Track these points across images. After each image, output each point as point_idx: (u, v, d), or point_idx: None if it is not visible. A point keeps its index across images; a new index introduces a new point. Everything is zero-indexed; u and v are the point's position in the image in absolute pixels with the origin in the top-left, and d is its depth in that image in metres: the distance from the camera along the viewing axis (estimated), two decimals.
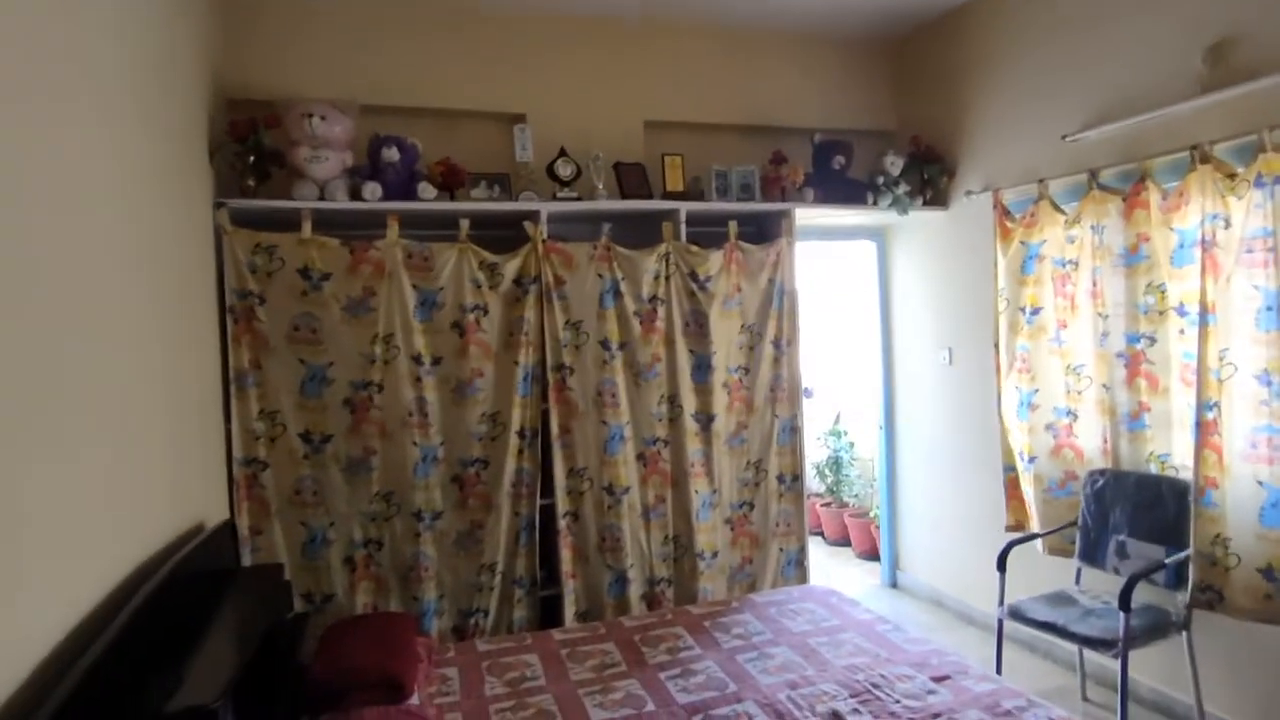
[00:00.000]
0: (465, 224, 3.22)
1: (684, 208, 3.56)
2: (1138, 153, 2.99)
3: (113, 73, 1.91)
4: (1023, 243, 3.39)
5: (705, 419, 3.59)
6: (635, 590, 3.45)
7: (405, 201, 3.13)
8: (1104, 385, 3.09)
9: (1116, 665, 2.71)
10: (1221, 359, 2.59)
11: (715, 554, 3.59)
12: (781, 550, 3.75)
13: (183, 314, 2.45)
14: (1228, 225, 2.63)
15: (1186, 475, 2.86)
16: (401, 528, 3.15)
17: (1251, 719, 2.73)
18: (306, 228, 3.00)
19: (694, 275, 3.55)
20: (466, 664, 2.72)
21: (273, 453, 2.99)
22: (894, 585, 4.58)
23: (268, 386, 2.98)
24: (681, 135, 3.87)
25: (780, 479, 3.75)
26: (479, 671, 2.65)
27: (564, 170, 3.42)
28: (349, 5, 3.37)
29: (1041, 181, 3.35)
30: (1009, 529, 3.48)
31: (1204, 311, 2.63)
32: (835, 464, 5.60)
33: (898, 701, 2.28)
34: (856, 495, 5.51)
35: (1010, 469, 3.50)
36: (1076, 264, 3.19)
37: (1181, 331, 2.84)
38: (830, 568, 4.96)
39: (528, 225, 3.32)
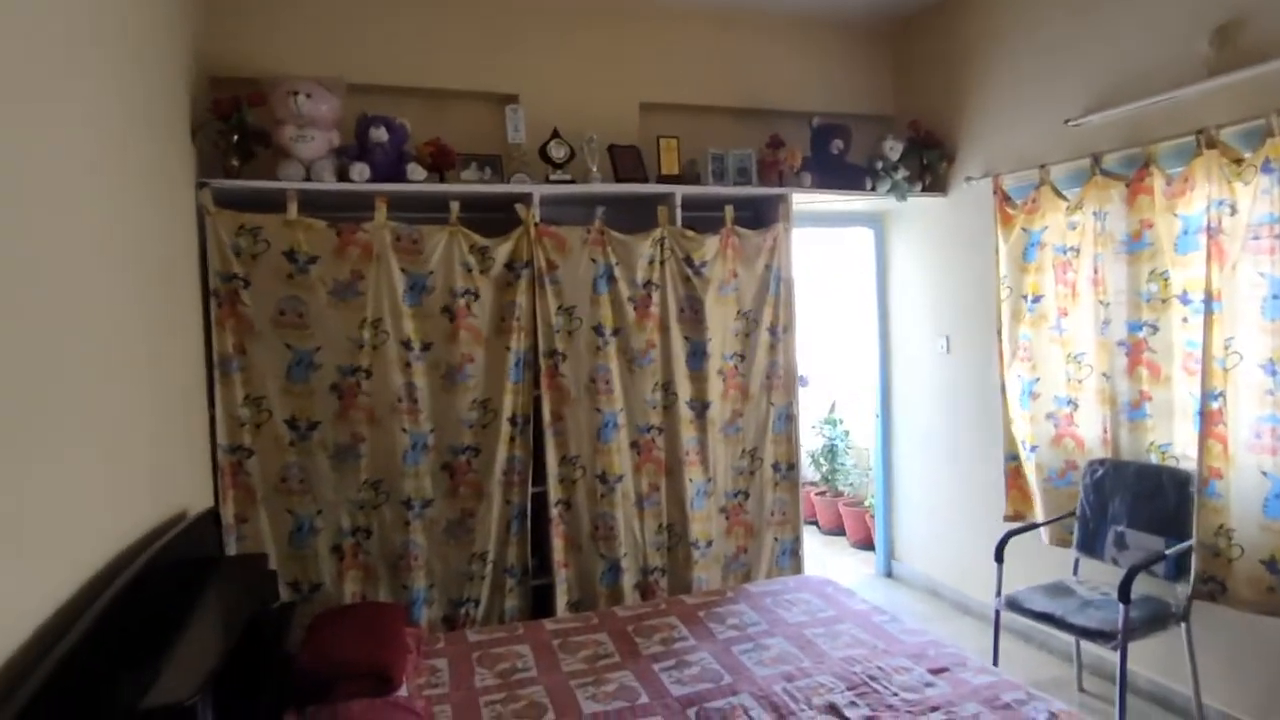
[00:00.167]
0: (455, 206, 3.14)
1: (679, 191, 3.50)
2: (1142, 137, 2.93)
3: (89, 46, 1.83)
4: (1024, 229, 3.34)
5: (700, 406, 3.54)
6: (628, 580, 3.41)
7: (394, 183, 3.06)
8: (1104, 374, 3.05)
9: (1113, 656, 2.68)
10: (1227, 348, 2.54)
11: (710, 543, 3.55)
12: (776, 540, 3.71)
13: (164, 296, 2.38)
14: (1234, 211, 2.58)
15: (1187, 465, 2.83)
16: (391, 516, 3.09)
17: (1250, 711, 2.71)
18: (292, 209, 2.92)
19: (689, 260, 3.49)
20: (456, 655, 2.67)
21: (258, 439, 2.93)
22: (889, 575, 4.55)
23: (253, 372, 2.91)
24: (677, 117, 3.79)
25: (776, 467, 3.71)
26: (469, 662, 2.60)
27: (557, 152, 3.34)
28: None
29: (1043, 167, 3.29)
30: (1008, 519, 3.45)
31: (1209, 299, 2.58)
32: (830, 453, 5.56)
33: (895, 694, 2.24)
34: (851, 484, 5.48)
35: (1012, 458, 3.46)
36: (1078, 251, 3.14)
37: (1184, 320, 2.79)
38: (825, 557, 4.93)
39: (519, 208, 3.24)
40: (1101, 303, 3.04)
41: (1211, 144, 2.64)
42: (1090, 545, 3.05)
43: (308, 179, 2.94)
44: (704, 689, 2.33)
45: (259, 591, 2.47)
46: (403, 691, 2.34)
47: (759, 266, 3.63)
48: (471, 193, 3.20)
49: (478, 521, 3.20)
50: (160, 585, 1.89)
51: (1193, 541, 2.65)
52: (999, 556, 3.06)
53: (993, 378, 3.56)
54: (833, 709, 2.18)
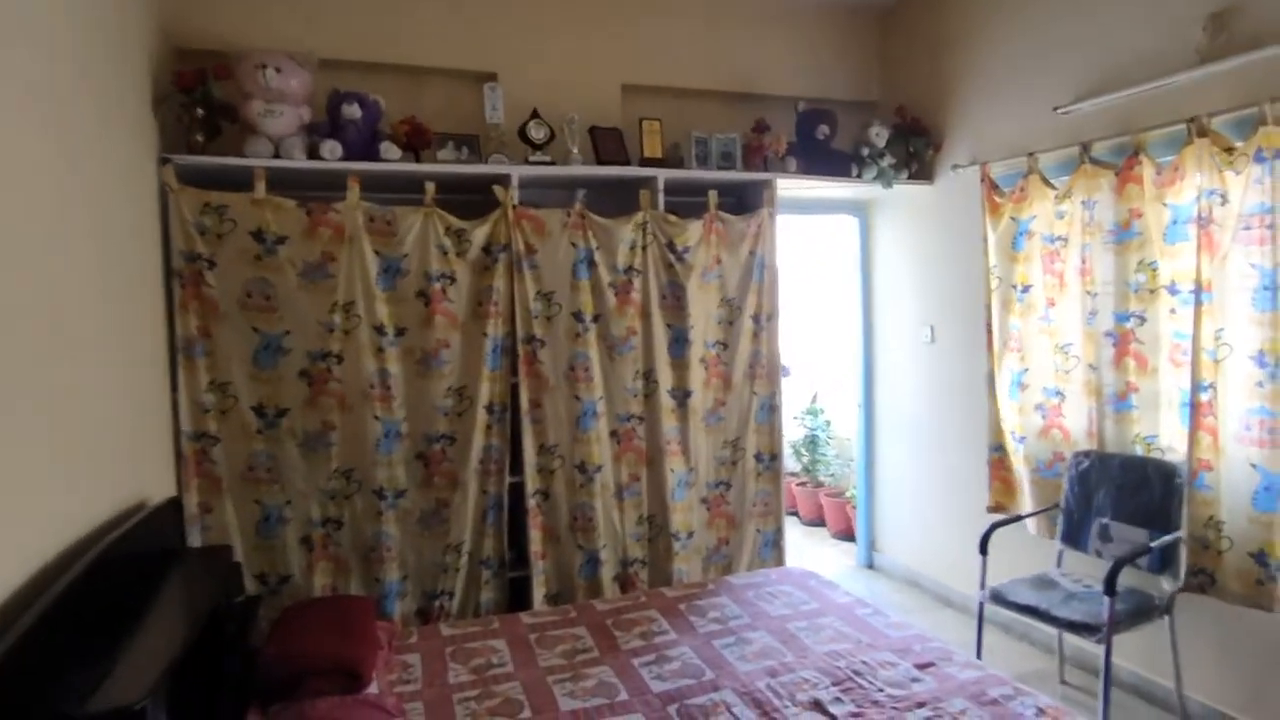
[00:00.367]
0: (431, 187, 3.04)
1: (662, 175, 3.41)
2: (1132, 125, 2.89)
3: (45, 9, 1.71)
4: (1013, 218, 3.30)
5: (682, 395, 3.47)
6: (607, 572, 3.34)
7: (367, 162, 2.95)
8: (1091, 365, 3.02)
9: (1095, 648, 2.66)
10: (1217, 339, 2.51)
11: (691, 534, 3.48)
12: (759, 531, 3.66)
13: (121, 275, 2.26)
14: (1225, 201, 2.54)
15: (1173, 458, 2.81)
16: (362, 506, 3.00)
17: (1231, 703, 2.70)
18: (260, 187, 2.81)
19: (672, 246, 3.41)
20: (430, 650, 2.58)
21: (224, 426, 2.82)
22: (870, 566, 4.52)
23: (218, 356, 2.80)
24: (661, 100, 3.71)
25: (758, 458, 3.65)
26: (443, 658, 2.52)
27: (537, 133, 3.25)
28: None
29: (1031, 155, 3.24)
30: (990, 510, 3.42)
31: (1199, 290, 2.55)
32: (812, 443, 5.52)
33: (881, 690, 2.19)
34: (833, 475, 5.45)
35: (997, 449, 3.43)
36: (1066, 240, 3.10)
37: (1172, 311, 2.76)
38: (805, 548, 4.90)
39: (498, 190, 3.14)
40: (1089, 293, 3.00)
41: (1203, 132, 2.60)
42: (1074, 537, 3.02)
43: (276, 156, 2.83)
44: (685, 685, 2.27)
45: (222, 584, 2.37)
46: (373, 688, 2.26)
47: (743, 253, 3.56)
48: (448, 173, 3.09)
49: (453, 512, 3.11)
50: (115, 578, 1.79)
51: (1181, 534, 2.63)
52: (984, 549, 3.02)
53: (977, 368, 3.52)
54: (817, 705, 2.12)
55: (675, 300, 3.44)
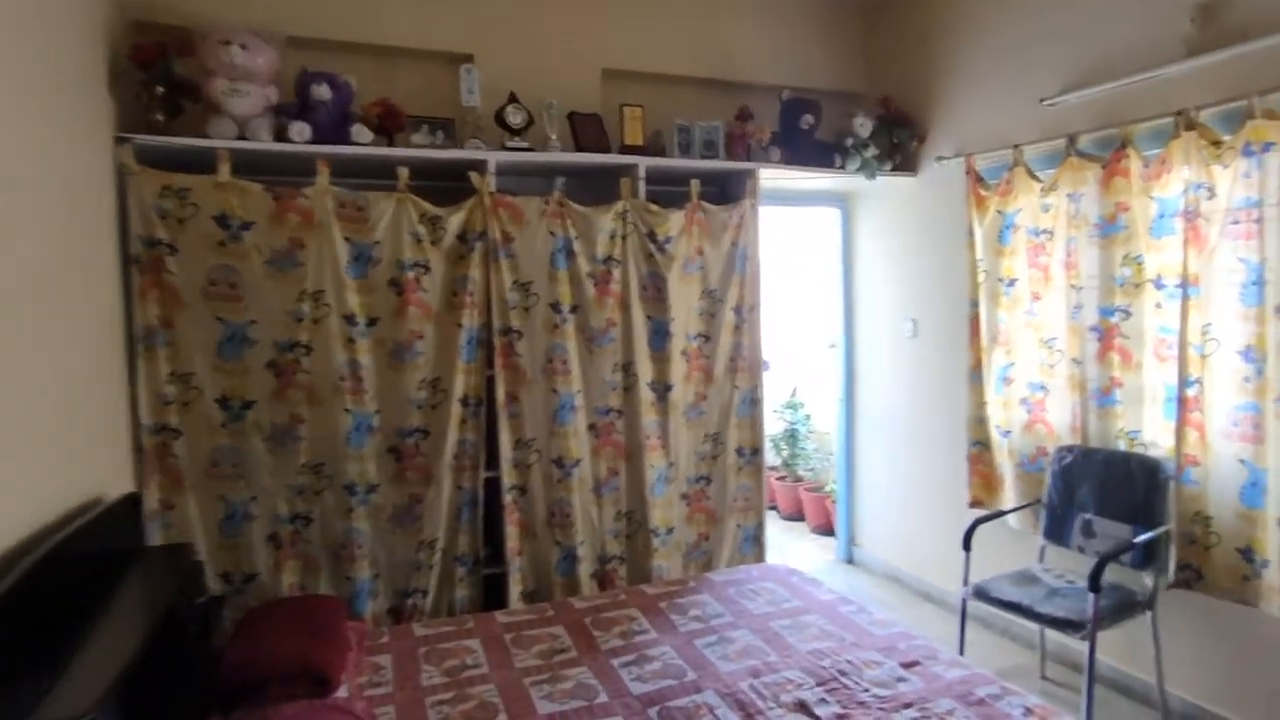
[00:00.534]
0: (404, 172, 2.94)
1: (643, 163, 3.33)
2: (1119, 118, 2.86)
3: None
4: (999, 211, 3.26)
5: (662, 388, 3.40)
6: (585, 568, 3.27)
7: (337, 145, 2.83)
8: (1075, 360, 2.99)
9: (1076, 643, 2.65)
10: (1204, 334, 2.49)
11: (670, 530, 3.42)
12: (739, 527, 3.60)
13: (75, 261, 2.14)
14: (1212, 195, 2.52)
15: (1156, 453, 2.79)
16: (332, 502, 2.90)
17: (1211, 698, 2.69)
18: (224, 170, 2.69)
19: (653, 236, 3.34)
20: (402, 650, 2.50)
21: (186, 419, 2.70)
22: (850, 561, 4.50)
23: (180, 346, 2.68)
24: (642, 86, 3.62)
25: (739, 452, 3.59)
26: (415, 659, 2.44)
27: (514, 118, 3.15)
28: None
29: (1017, 147, 3.21)
30: (971, 506, 3.39)
31: (1186, 285, 2.53)
32: (791, 437, 5.49)
33: (867, 690, 2.14)
34: (812, 469, 5.42)
35: (975, 444, 3.41)
36: (1051, 234, 3.07)
37: (1158, 305, 2.74)
38: (784, 543, 4.86)
39: (473, 176, 3.05)
40: (1074, 287, 2.98)
41: (1190, 126, 2.58)
42: (1057, 533, 3.00)
43: (241, 138, 2.71)
44: (666, 686, 2.21)
45: (183, 584, 2.26)
46: (342, 692, 2.17)
47: (725, 244, 3.50)
48: (422, 158, 2.99)
49: (426, 508, 3.02)
50: (65, 579, 1.69)
51: (1167, 529, 2.63)
52: (967, 544, 2.99)
53: (959, 362, 3.49)
54: (802, 707, 2.07)
55: (656, 291, 3.37)
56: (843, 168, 3.70)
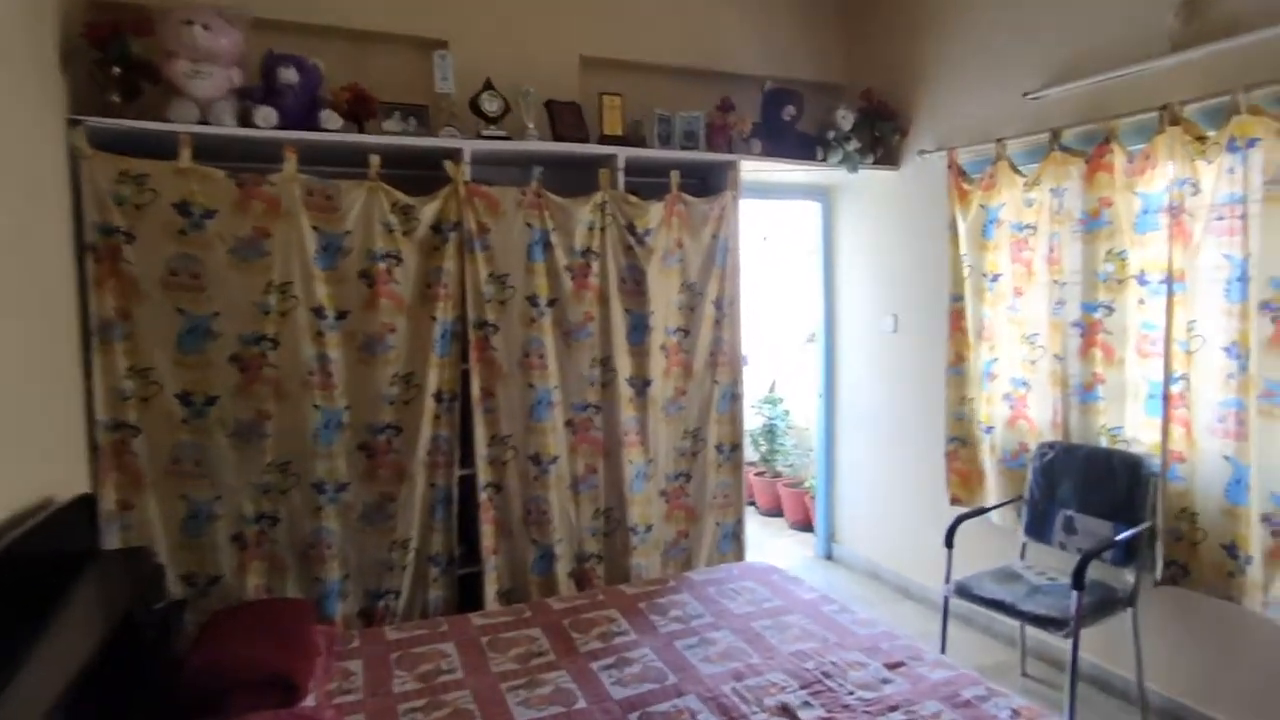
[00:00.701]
0: (376, 160, 2.83)
1: (623, 154, 3.25)
2: (1103, 112, 2.84)
3: None
4: (983, 206, 3.23)
5: (641, 384, 3.33)
6: (563, 567, 3.20)
7: (305, 131, 2.73)
8: (1057, 355, 2.97)
9: (1057, 640, 2.62)
10: (1190, 330, 2.47)
11: (649, 528, 3.36)
12: (718, 524, 3.55)
13: (23, 248, 2.02)
14: (1197, 191, 2.50)
15: (1138, 449, 2.78)
16: (300, 501, 2.80)
17: (1189, 694, 2.69)
18: (185, 155, 2.57)
19: (632, 228, 3.26)
20: (373, 655, 2.41)
21: (145, 416, 2.58)
22: (829, 557, 4.47)
23: (139, 339, 2.56)
24: (621, 74, 3.53)
25: (719, 449, 3.54)
26: (387, 664, 2.35)
27: (490, 105, 3.06)
28: None
29: (1000, 141, 3.18)
30: (952, 503, 3.37)
31: (1171, 281, 2.51)
32: (770, 432, 5.45)
33: (851, 693, 2.10)
34: (791, 465, 5.39)
35: (953, 440, 3.39)
36: (1034, 229, 3.04)
37: (1141, 301, 2.72)
38: (763, 539, 4.83)
39: (448, 165, 2.95)
40: (1057, 282, 2.95)
41: (1175, 121, 2.55)
42: (1039, 530, 2.98)
43: (204, 122, 2.59)
44: (647, 690, 2.15)
45: (141, 589, 2.16)
46: (309, 700, 2.09)
47: (705, 236, 3.44)
48: (394, 145, 2.89)
49: (399, 506, 2.93)
50: (9, 587, 1.58)
51: (1149, 525, 2.62)
52: (949, 542, 2.96)
53: (941, 358, 3.46)
54: (786, 711, 2.02)
55: (635, 285, 3.30)
56: (825, 160, 3.65)
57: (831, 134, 3.64)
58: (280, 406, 2.74)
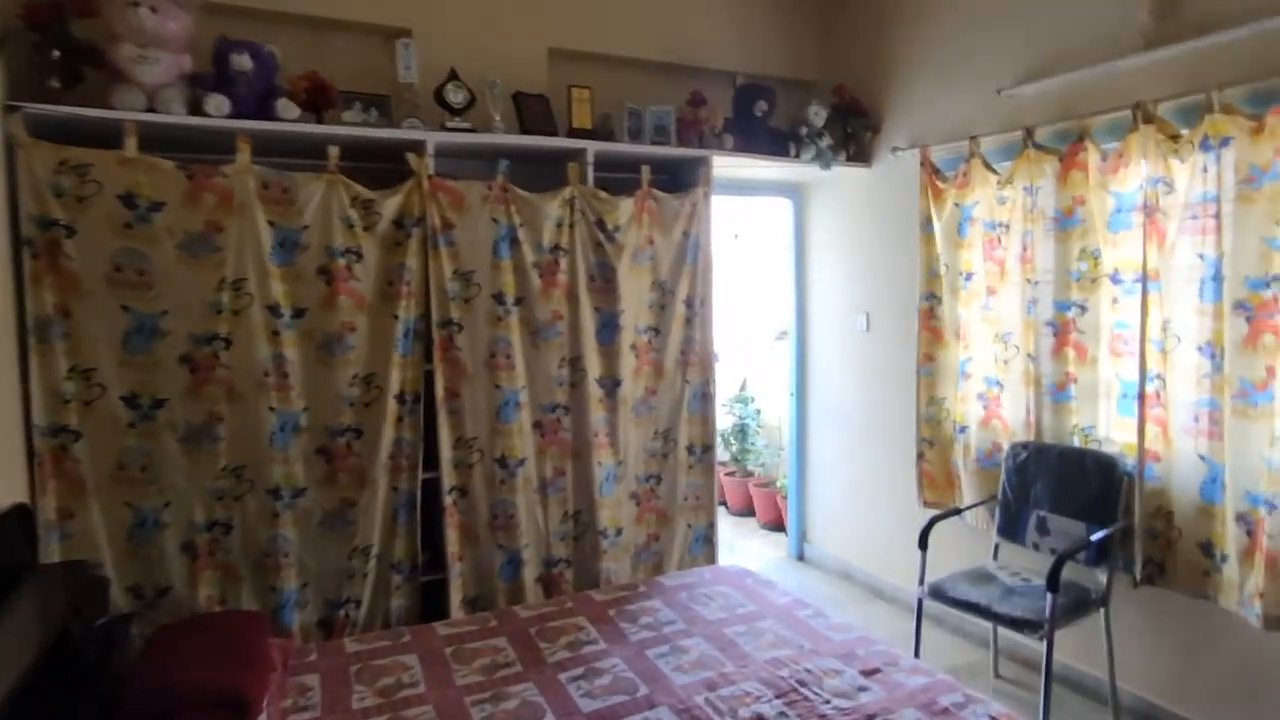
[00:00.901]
0: (335, 152, 2.72)
1: (592, 148, 3.17)
2: (1076, 110, 2.82)
3: None
4: (956, 204, 3.21)
5: (611, 384, 3.26)
6: (530, 573, 3.11)
7: (260, 120, 2.61)
8: (1029, 355, 2.95)
9: (1030, 642, 2.60)
10: (1165, 330, 2.46)
11: (619, 531, 3.29)
12: (690, 527, 3.49)
13: None
14: (1170, 190, 2.49)
15: (1111, 449, 2.77)
16: (255, 507, 2.68)
17: (1161, 693, 2.70)
18: (131, 144, 2.44)
19: (602, 224, 3.18)
20: (331, 669, 2.31)
21: (87, 420, 2.45)
22: (801, 558, 4.44)
23: (80, 339, 2.42)
24: (591, 67, 3.46)
25: (690, 450, 3.48)
26: (346, 678, 2.26)
27: (455, 96, 2.96)
28: None
29: (973, 139, 3.16)
30: (926, 504, 3.35)
31: (1145, 280, 2.50)
32: (741, 432, 5.41)
33: (828, 701, 2.04)
34: (763, 464, 5.35)
35: (923, 441, 3.37)
36: (1007, 227, 3.02)
37: (1114, 300, 2.71)
38: (734, 539, 4.79)
39: (411, 158, 2.85)
40: (1030, 281, 2.94)
41: (1148, 119, 2.54)
42: (1012, 530, 2.96)
43: (151, 110, 2.46)
44: (617, 703, 2.08)
45: (80, 603, 2.04)
46: (263, 719, 1.98)
47: (676, 233, 3.37)
48: (354, 137, 2.78)
49: (359, 512, 2.82)
50: None
51: (1121, 526, 2.60)
52: (923, 543, 2.93)
53: (912, 357, 3.44)
54: None
55: (605, 282, 3.22)
56: (797, 157, 3.60)
57: (804, 130, 3.59)
58: (233, 409, 2.62)
